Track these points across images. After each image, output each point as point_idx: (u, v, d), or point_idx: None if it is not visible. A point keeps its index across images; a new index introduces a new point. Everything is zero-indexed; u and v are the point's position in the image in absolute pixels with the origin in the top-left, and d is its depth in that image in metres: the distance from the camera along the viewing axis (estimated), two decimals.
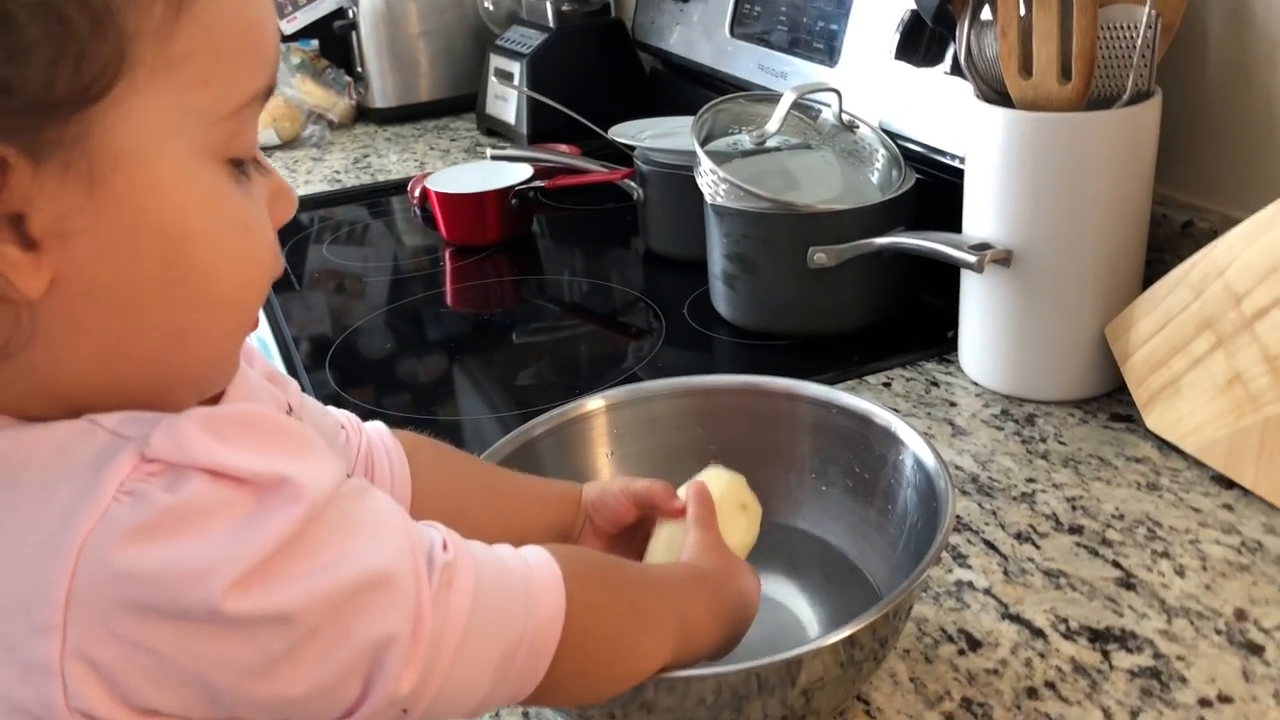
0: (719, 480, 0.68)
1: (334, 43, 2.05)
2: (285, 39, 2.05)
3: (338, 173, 1.79)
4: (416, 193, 1.54)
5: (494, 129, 1.87)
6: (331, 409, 0.67)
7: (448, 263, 1.43)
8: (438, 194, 1.41)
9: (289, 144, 1.91)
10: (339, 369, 1.16)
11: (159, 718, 0.41)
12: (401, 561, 0.44)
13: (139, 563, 0.38)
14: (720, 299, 1.14)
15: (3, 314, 0.39)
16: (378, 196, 1.69)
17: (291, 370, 1.15)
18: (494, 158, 1.41)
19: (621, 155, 1.41)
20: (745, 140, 1.14)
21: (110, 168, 0.39)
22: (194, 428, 0.40)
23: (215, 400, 0.49)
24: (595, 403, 0.79)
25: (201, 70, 0.41)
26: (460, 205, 1.41)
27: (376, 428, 0.68)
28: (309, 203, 1.66)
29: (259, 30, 0.43)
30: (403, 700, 0.44)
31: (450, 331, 1.27)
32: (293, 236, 1.53)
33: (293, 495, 0.41)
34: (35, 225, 0.38)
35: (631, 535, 0.69)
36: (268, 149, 1.90)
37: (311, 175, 1.78)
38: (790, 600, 0.73)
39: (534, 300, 1.34)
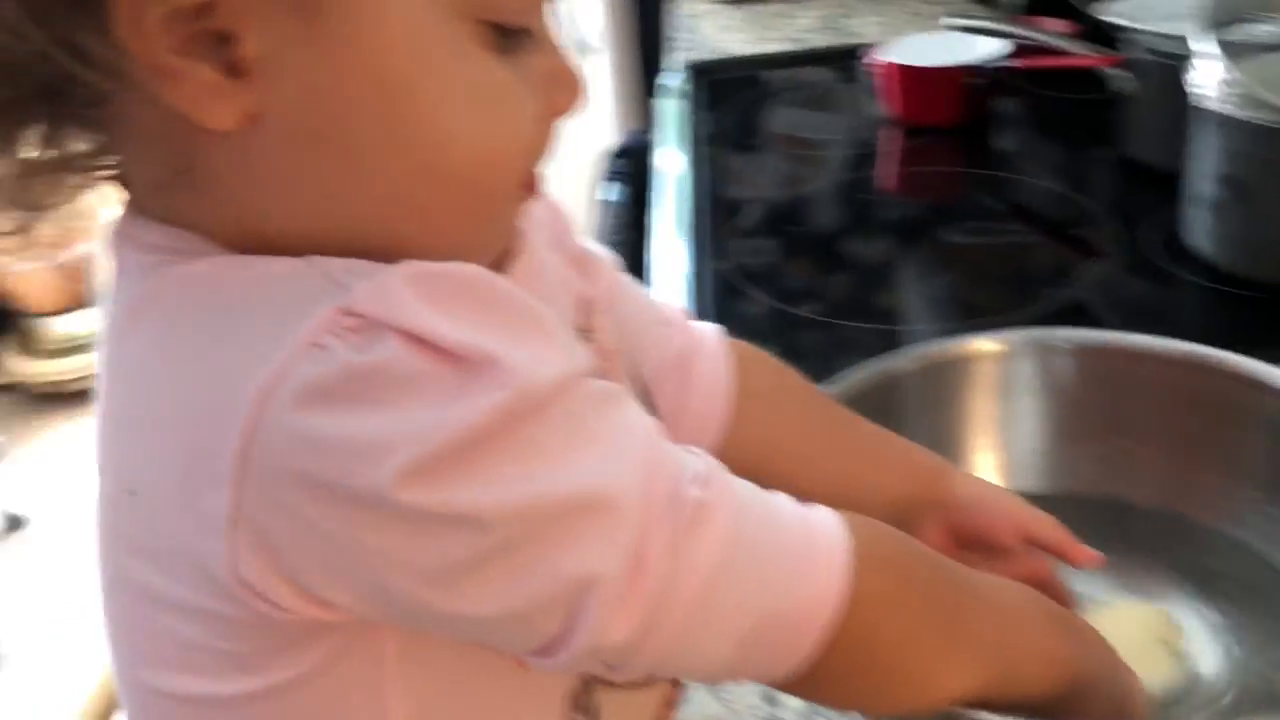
0: (1134, 613, 0.56)
1: None
2: None
3: (807, 31, 1.68)
4: (873, 62, 1.41)
5: None
6: (663, 303, 0.59)
7: (895, 141, 1.30)
8: (892, 65, 1.27)
9: None
10: (762, 238, 1.10)
11: (334, 611, 0.36)
12: (633, 489, 0.36)
13: (311, 428, 0.33)
14: (1198, 229, 0.92)
15: (191, 138, 0.36)
16: (844, 61, 1.57)
17: (701, 237, 1.08)
18: (949, 27, 1.23)
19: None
20: (1276, 31, 0.89)
21: (334, 3, 0.34)
22: (402, 283, 0.34)
23: None
24: (986, 345, 0.66)
25: None
26: (914, 79, 1.26)
27: (712, 330, 0.58)
28: (769, 61, 1.58)
29: None
30: (612, 652, 0.37)
31: (881, 218, 1.16)
32: (739, 92, 1.46)
33: (499, 380, 0.34)
34: (246, 49, 0.34)
35: (986, 561, 0.56)
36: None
37: (773, 31, 1.68)
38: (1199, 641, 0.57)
39: (979, 196, 1.18)
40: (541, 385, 0.35)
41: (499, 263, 0.44)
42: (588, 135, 1.43)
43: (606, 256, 0.55)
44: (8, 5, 0.33)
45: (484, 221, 0.41)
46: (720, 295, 0.98)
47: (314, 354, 0.33)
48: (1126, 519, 0.58)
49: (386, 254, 0.37)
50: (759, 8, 1.80)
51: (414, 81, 0.36)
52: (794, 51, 1.61)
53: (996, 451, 0.66)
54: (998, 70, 1.22)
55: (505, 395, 0.34)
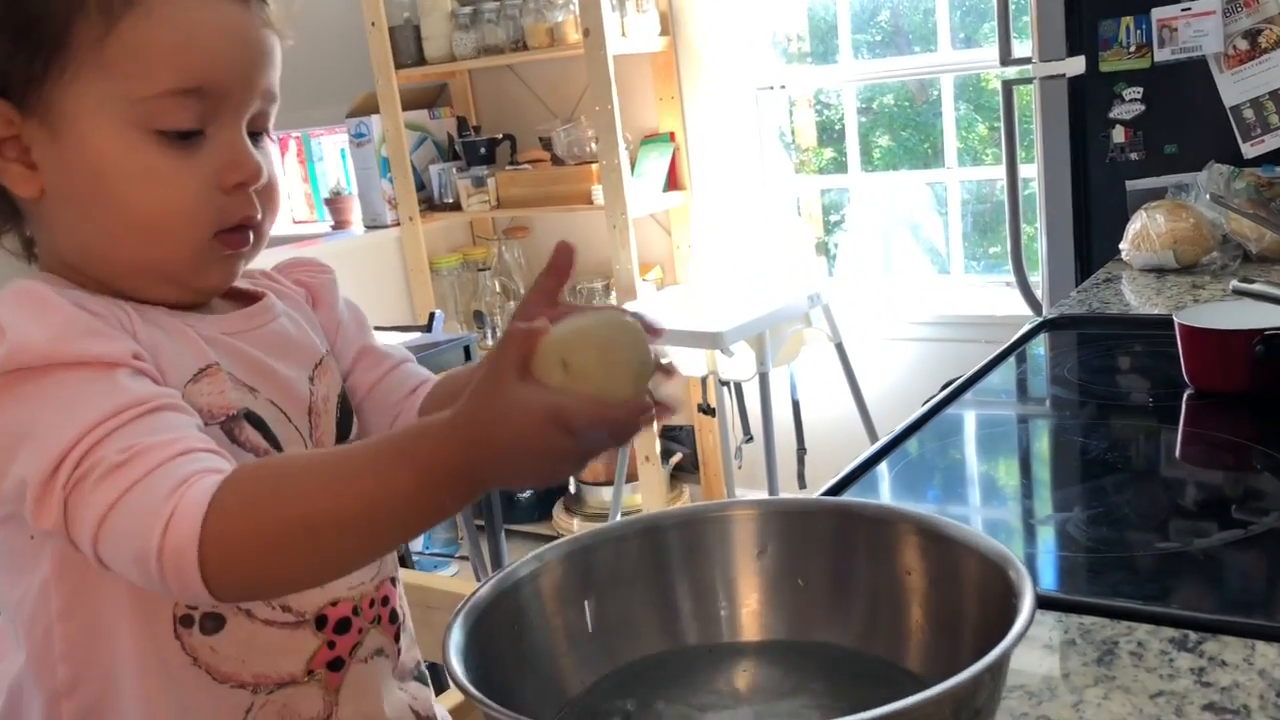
0: (590, 321, 0.60)
1: None
2: (1245, 163, 1.92)
3: (1204, 301, 1.64)
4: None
5: None
6: (410, 369, 0.85)
7: (1184, 404, 1.27)
8: (1181, 327, 1.27)
9: (1187, 269, 1.80)
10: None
11: None
12: (67, 436, 0.59)
13: None
14: None
15: (30, 211, 0.71)
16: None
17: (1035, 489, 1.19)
18: (1237, 291, 1.20)
19: None
20: None
21: (62, 126, 0.66)
22: (9, 294, 0.65)
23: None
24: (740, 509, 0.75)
25: (123, 69, 0.65)
26: (1200, 341, 1.25)
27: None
28: (1117, 321, 1.60)
29: (179, 48, 0.65)
30: (54, 531, 0.59)
31: (1159, 479, 1.14)
32: (1080, 347, 1.50)
33: (4, 343, 0.61)
34: (34, 155, 0.68)
35: None
36: (1164, 271, 1.82)
37: (1168, 299, 1.67)
38: None
39: (1266, 474, 1.09)
40: (29, 350, 0.60)
41: (232, 294, 0.76)
42: None
43: (397, 352, 0.84)
44: None
45: (181, 257, 0.69)
46: None
47: None
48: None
49: (135, 274, 0.68)
50: (1180, 278, 1.79)
51: (107, 171, 0.67)
52: (1144, 317, 1.61)
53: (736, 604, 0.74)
54: None
55: (1, 352, 0.60)
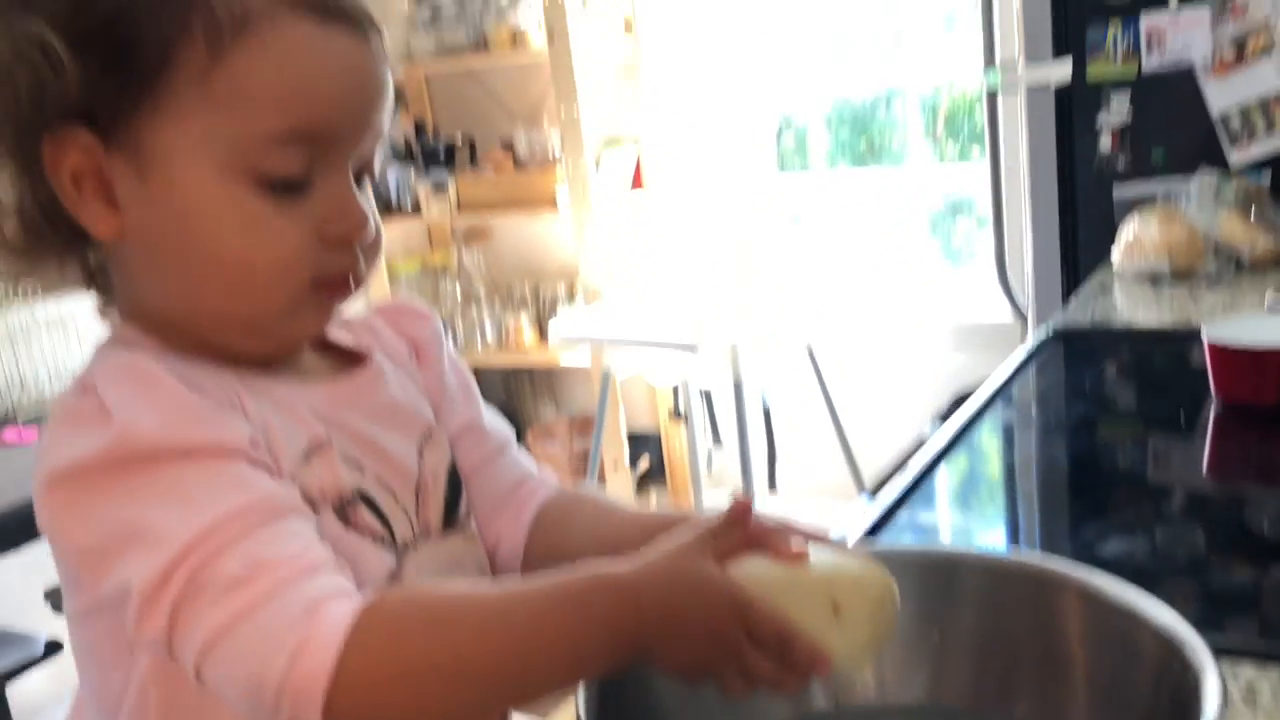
0: (841, 563, 0.57)
1: None
2: (1233, 170, 1.94)
3: (1207, 311, 1.65)
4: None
5: None
6: (530, 467, 0.77)
7: (1212, 421, 1.27)
8: (1211, 344, 1.26)
9: (1181, 276, 1.81)
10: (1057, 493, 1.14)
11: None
12: (181, 538, 0.53)
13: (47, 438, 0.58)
14: None
15: (109, 254, 0.64)
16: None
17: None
18: (1272, 309, 1.20)
19: None
20: None
21: (152, 164, 0.59)
22: (110, 367, 0.58)
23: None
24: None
25: (228, 107, 0.57)
26: (1232, 360, 1.24)
27: (547, 481, 0.77)
28: (1131, 336, 1.59)
29: (293, 86, 0.58)
30: (155, 641, 0.54)
31: (1185, 492, 1.13)
32: (1088, 360, 1.50)
33: (108, 427, 0.55)
34: (117, 191, 0.60)
35: None
36: (1158, 279, 1.83)
37: (1170, 312, 1.68)
38: None
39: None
40: (139, 437, 0.54)
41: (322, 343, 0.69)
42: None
43: (499, 432, 0.77)
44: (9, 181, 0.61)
45: (270, 308, 0.62)
46: None
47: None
48: None
49: (220, 327, 0.61)
50: (1175, 287, 1.80)
51: (198, 216, 0.59)
52: (1156, 329, 1.60)
53: None
54: None
55: (108, 437, 0.54)
